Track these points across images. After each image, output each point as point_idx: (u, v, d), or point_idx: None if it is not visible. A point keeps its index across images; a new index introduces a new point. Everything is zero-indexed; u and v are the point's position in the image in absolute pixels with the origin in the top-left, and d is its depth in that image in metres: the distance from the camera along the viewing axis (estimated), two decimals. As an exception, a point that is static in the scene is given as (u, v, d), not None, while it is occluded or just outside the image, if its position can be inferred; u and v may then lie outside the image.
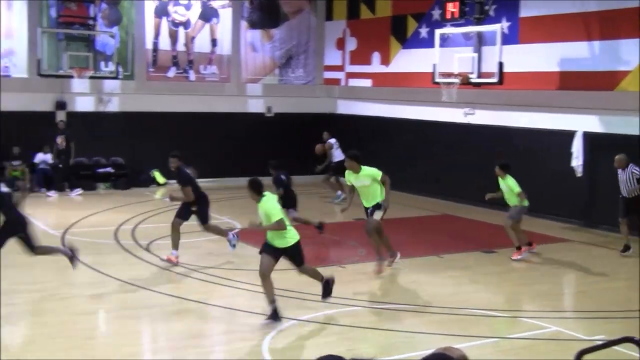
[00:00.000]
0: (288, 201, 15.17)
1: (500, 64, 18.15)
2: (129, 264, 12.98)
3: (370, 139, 23.29)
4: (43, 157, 21.32)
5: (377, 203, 12.43)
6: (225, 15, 24.44)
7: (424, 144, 21.55)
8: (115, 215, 17.49)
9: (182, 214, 13.00)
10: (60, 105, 22.08)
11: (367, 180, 12.44)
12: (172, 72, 23.76)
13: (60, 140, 21.09)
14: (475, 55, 19.27)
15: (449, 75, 19.31)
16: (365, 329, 9.61)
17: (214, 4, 24.26)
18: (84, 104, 22.51)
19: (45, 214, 17.55)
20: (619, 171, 14.30)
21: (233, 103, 24.34)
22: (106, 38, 22.60)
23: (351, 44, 24.92)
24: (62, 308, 10.39)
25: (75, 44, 22.18)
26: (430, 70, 19.74)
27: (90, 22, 22.45)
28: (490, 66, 18.60)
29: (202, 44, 24.16)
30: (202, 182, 14.15)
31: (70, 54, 21.71)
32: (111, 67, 22.47)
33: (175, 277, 12.17)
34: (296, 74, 25.67)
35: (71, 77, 21.76)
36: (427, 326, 9.92)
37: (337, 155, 20.31)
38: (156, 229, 15.66)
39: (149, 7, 23.28)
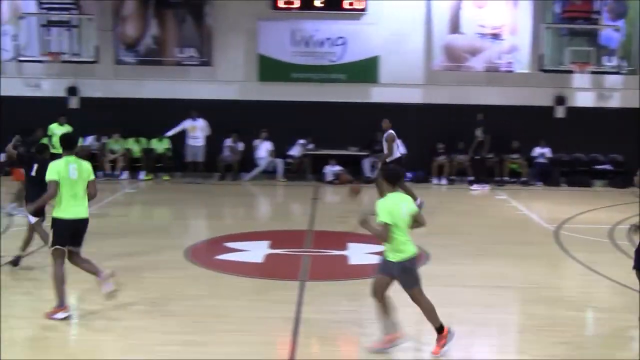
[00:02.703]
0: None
1: None
2: (621, 265, 12.15)
3: None
4: (541, 151, 21.41)
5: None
6: None
7: None
8: (611, 214, 16.66)
9: None
10: (560, 100, 21.88)
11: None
12: (679, 67, 21.97)
13: (478, 133, 21.00)
14: None
15: None
16: None
17: None
18: (584, 99, 22.04)
19: (540, 207, 17.48)
20: None
21: None
22: (610, 32, 21.74)
23: None
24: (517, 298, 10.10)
25: (578, 39, 21.74)
26: None
27: (595, 16, 21.83)
28: None
29: None
30: None
31: (572, 49, 21.37)
32: (614, 61, 21.56)
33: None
34: None
35: (572, 72, 21.45)
36: None
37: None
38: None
39: (659, -2, 21.82)
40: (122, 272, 11.12)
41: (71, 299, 9.57)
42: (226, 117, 21.32)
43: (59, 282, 8.85)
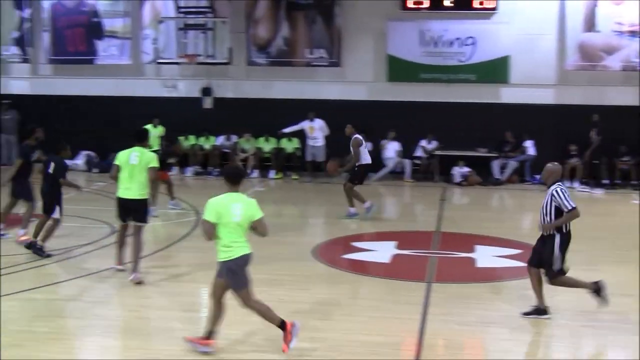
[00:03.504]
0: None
1: None
2: None
3: None
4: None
5: None
6: None
7: None
8: None
9: None
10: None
11: None
12: None
13: (592, 134, 20.28)
14: None
15: None
16: None
17: None
18: None
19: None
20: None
21: None
22: None
23: None
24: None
25: None
26: None
27: None
28: None
29: None
30: None
31: None
32: None
33: None
34: None
35: None
36: None
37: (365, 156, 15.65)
38: None
39: None
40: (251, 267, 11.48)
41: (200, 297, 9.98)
42: (354, 117, 21.37)
43: (118, 244, 10.94)
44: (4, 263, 11.34)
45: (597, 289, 8.99)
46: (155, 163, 10.70)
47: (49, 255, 11.73)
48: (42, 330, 8.42)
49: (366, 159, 15.52)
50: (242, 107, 21.99)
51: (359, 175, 15.51)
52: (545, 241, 8.95)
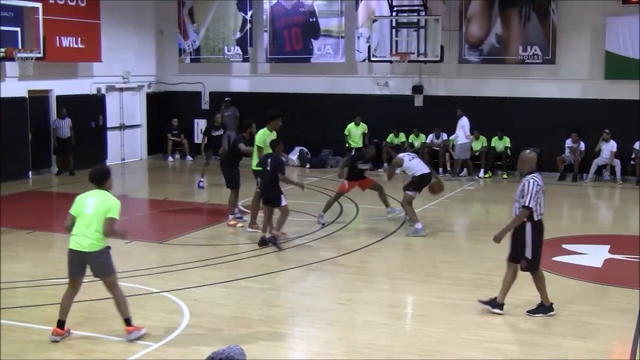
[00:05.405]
0: None
1: None
2: None
3: None
4: None
5: None
6: None
7: None
8: None
9: None
10: None
11: None
12: None
13: None
14: None
15: None
16: None
17: None
18: None
19: None
20: None
21: None
22: None
23: None
24: None
25: None
26: None
27: None
28: None
29: None
30: None
31: None
32: None
33: None
34: None
35: None
36: None
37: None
38: None
39: None
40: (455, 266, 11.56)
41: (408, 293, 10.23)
42: (567, 115, 20.95)
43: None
44: (227, 251, 12.20)
45: (547, 308, 9.08)
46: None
47: (280, 249, 12.39)
48: (253, 318, 8.99)
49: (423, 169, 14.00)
50: (453, 105, 21.93)
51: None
52: (516, 233, 9.13)
